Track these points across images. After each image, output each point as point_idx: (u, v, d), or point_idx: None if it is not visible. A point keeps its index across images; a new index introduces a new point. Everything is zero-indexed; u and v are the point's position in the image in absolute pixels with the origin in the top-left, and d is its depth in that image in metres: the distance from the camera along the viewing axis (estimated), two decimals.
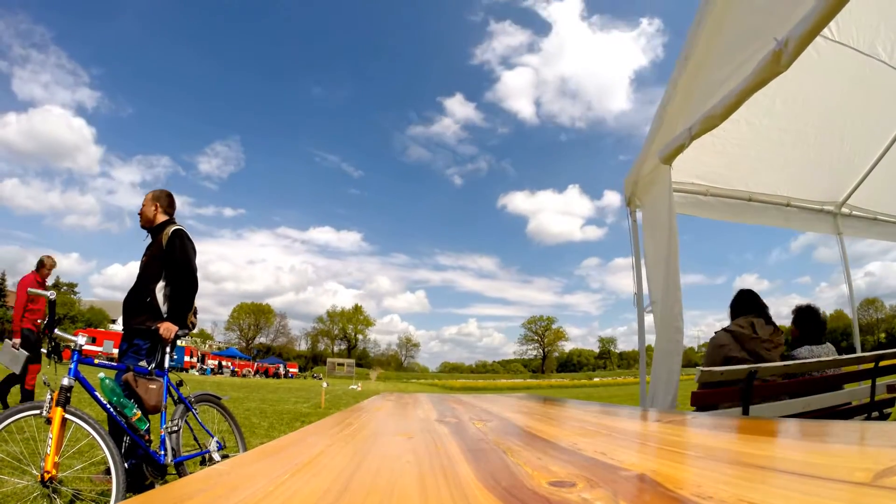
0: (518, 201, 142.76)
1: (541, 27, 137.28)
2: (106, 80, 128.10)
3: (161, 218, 4.24)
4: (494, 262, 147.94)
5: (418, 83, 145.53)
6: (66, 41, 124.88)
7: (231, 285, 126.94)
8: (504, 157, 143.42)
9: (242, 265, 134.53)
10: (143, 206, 4.25)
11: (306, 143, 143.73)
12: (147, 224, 4.22)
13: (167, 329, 3.82)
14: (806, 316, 4.07)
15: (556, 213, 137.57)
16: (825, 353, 3.83)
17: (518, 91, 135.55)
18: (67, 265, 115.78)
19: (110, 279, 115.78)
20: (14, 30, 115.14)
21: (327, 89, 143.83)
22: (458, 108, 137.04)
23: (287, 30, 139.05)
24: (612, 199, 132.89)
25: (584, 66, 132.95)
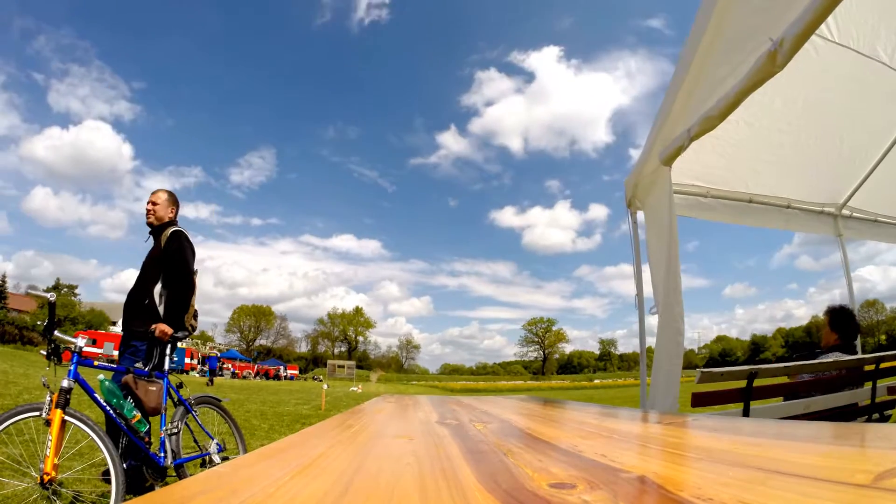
0: (508, 216, 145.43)
1: (526, 76, 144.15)
2: (147, 94, 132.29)
3: (169, 219, 4.25)
4: (509, 268, 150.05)
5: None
6: (109, 56, 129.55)
7: (245, 290, 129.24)
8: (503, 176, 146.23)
9: (258, 271, 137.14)
10: (158, 204, 4.21)
11: (339, 156, 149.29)
12: (157, 223, 4.20)
13: (162, 331, 3.81)
14: (842, 317, 4.02)
15: (549, 226, 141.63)
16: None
17: (508, 128, 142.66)
18: (85, 270, 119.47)
19: (124, 283, 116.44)
20: (55, 44, 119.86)
21: (355, 112, 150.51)
22: (453, 142, 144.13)
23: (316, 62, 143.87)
24: (599, 211, 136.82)
25: (568, 104, 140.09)
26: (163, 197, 4.23)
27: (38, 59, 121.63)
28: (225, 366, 57.33)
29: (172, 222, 4.23)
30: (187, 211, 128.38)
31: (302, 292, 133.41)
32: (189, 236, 4.12)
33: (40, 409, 3.04)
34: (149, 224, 4.20)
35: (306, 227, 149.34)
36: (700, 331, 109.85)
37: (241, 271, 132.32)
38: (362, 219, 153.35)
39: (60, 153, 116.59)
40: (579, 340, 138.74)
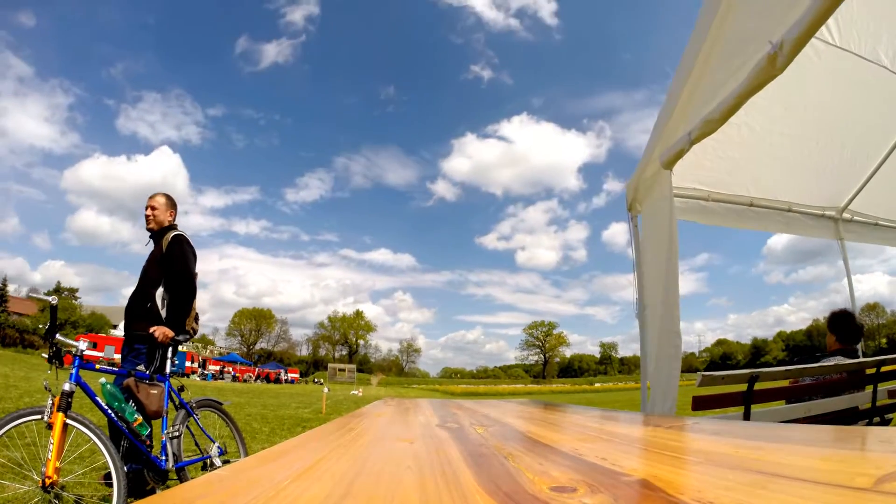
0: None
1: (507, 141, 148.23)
2: (221, 120, 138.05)
3: (168, 223, 4.25)
4: (536, 277, 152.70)
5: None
6: (188, 83, 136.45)
7: (268, 299, 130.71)
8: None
9: (280, 280, 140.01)
10: (157, 209, 4.20)
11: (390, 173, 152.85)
12: (157, 227, 4.19)
13: (164, 333, 3.81)
14: (841, 321, 4.02)
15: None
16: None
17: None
18: (113, 280, 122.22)
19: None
20: (133, 71, 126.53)
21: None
22: (445, 189, 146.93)
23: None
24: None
25: (543, 159, 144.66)
26: (161, 201, 4.22)
27: (113, 84, 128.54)
28: (226, 369, 57.33)
29: (172, 226, 4.22)
30: (238, 227, 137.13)
31: (319, 300, 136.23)
32: (190, 240, 4.12)
33: (42, 413, 3.04)
34: (149, 229, 4.20)
35: (351, 242, 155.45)
36: (700, 335, 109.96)
37: (266, 282, 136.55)
38: (399, 234, 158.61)
39: (114, 175, 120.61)
40: (580, 344, 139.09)
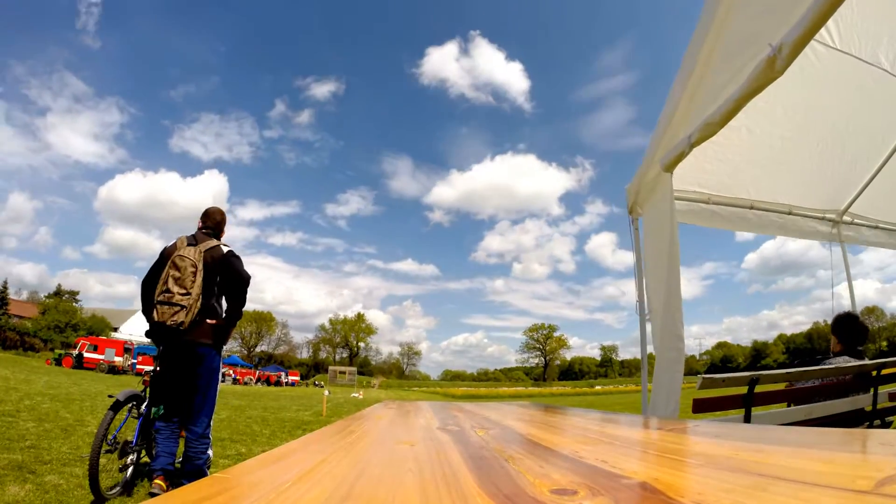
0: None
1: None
2: (275, 139, 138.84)
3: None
4: (552, 285, 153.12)
5: None
6: (248, 104, 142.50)
7: (287, 307, 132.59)
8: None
9: (299, 288, 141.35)
10: (223, 222, 4.41)
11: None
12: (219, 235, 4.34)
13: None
14: (845, 324, 4.02)
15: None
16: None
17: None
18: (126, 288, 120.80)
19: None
20: (193, 94, 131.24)
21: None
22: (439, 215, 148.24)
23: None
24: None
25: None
26: (224, 214, 4.48)
27: (171, 105, 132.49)
28: (227, 372, 57.25)
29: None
30: (276, 239, 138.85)
31: (335, 307, 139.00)
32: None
33: None
34: (208, 232, 4.33)
35: (382, 254, 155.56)
36: (699, 339, 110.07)
37: (282, 290, 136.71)
38: (424, 246, 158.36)
39: (155, 190, 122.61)
40: (580, 347, 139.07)
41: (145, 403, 4.07)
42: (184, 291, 3.89)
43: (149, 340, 4.03)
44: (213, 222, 4.34)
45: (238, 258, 4.15)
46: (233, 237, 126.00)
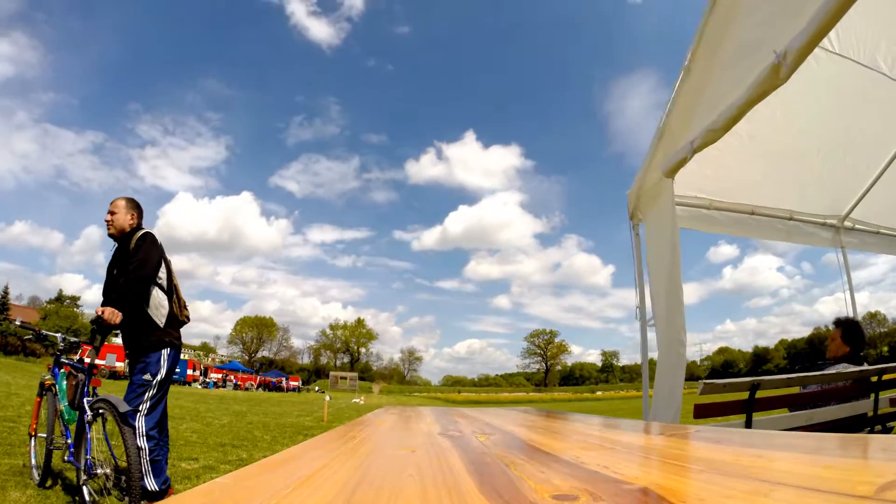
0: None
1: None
2: (373, 180, 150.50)
3: (130, 226, 3.97)
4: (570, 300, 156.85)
5: None
6: (366, 149, 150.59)
7: (317, 319, 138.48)
8: None
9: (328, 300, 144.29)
10: (116, 213, 3.92)
11: None
12: (118, 232, 3.93)
13: (111, 312, 3.53)
14: (855, 330, 4.03)
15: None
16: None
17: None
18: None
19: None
20: (305, 142, 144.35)
21: None
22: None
23: None
24: None
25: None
26: (120, 205, 3.98)
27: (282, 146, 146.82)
28: (228, 377, 57.24)
29: (139, 227, 3.99)
30: (340, 261, 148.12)
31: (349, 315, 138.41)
32: (155, 238, 3.89)
33: None
34: (110, 235, 3.95)
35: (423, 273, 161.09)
36: (701, 343, 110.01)
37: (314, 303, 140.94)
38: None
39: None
40: (580, 352, 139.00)
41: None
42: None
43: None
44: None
45: None
46: (300, 254, 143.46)
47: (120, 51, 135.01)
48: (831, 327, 4.20)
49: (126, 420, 3.17)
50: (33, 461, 4.17)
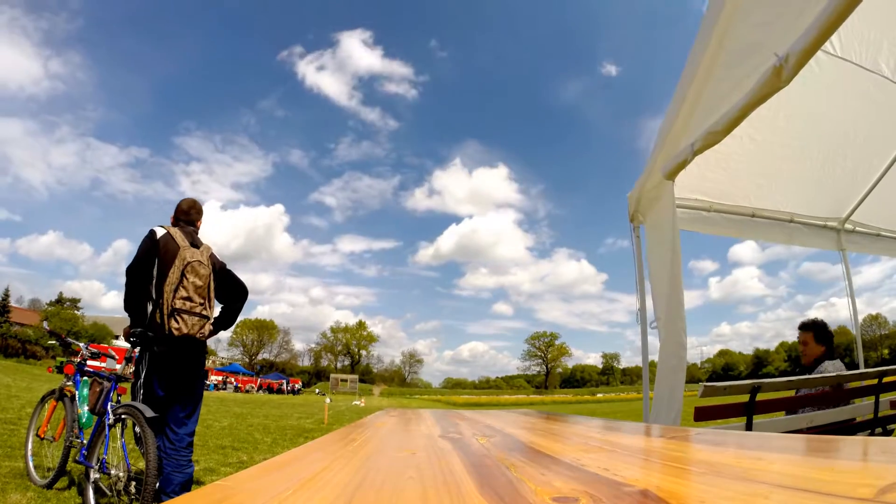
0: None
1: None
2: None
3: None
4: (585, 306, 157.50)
5: None
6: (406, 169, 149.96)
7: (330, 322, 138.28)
8: None
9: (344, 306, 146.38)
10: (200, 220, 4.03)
11: None
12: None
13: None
14: (825, 329, 4.05)
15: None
16: (839, 367, 3.82)
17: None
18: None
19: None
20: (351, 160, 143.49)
21: None
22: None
23: None
24: None
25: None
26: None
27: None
28: (228, 380, 57.20)
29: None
30: (367, 271, 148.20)
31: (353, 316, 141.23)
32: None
33: None
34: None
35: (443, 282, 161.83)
36: (702, 346, 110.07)
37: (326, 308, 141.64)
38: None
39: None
40: (581, 355, 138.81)
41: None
42: (207, 303, 3.69)
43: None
44: (198, 218, 3.99)
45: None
46: (328, 263, 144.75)
47: (181, 71, 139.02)
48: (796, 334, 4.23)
49: (153, 424, 3.20)
50: (31, 463, 4.22)
